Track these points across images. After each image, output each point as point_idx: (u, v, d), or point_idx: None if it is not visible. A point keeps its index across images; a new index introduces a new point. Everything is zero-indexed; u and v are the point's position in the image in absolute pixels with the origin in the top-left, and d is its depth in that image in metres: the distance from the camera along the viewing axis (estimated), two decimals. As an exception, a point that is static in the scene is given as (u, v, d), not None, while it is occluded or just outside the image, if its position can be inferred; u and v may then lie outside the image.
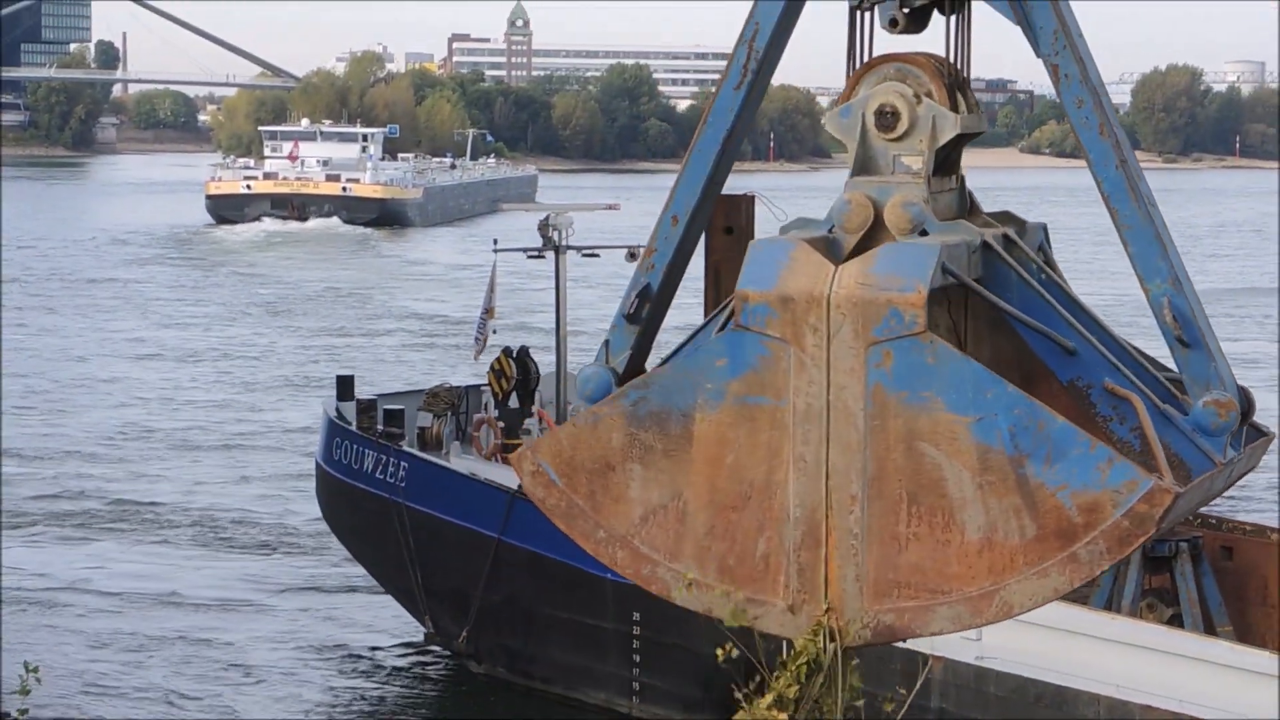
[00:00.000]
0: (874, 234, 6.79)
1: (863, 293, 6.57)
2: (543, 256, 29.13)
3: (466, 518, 25.78)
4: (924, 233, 6.74)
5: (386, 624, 29.02)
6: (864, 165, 6.87)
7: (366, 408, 28.36)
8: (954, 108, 6.94)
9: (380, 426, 27.76)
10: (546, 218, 29.21)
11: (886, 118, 6.85)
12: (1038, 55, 6.84)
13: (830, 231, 6.83)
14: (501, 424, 27.37)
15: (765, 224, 30.47)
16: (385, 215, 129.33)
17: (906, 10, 7.04)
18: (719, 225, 29.22)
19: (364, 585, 30.31)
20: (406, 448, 27.28)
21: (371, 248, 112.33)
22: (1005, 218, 7.25)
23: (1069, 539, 6.52)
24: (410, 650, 27.79)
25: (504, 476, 25.98)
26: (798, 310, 6.64)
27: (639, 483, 6.94)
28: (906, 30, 7.03)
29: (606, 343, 7.30)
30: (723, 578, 6.88)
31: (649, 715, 24.19)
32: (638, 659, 24.21)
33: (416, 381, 45.46)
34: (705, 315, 29.28)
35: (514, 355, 28.38)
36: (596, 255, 29.98)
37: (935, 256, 6.58)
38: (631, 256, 29.52)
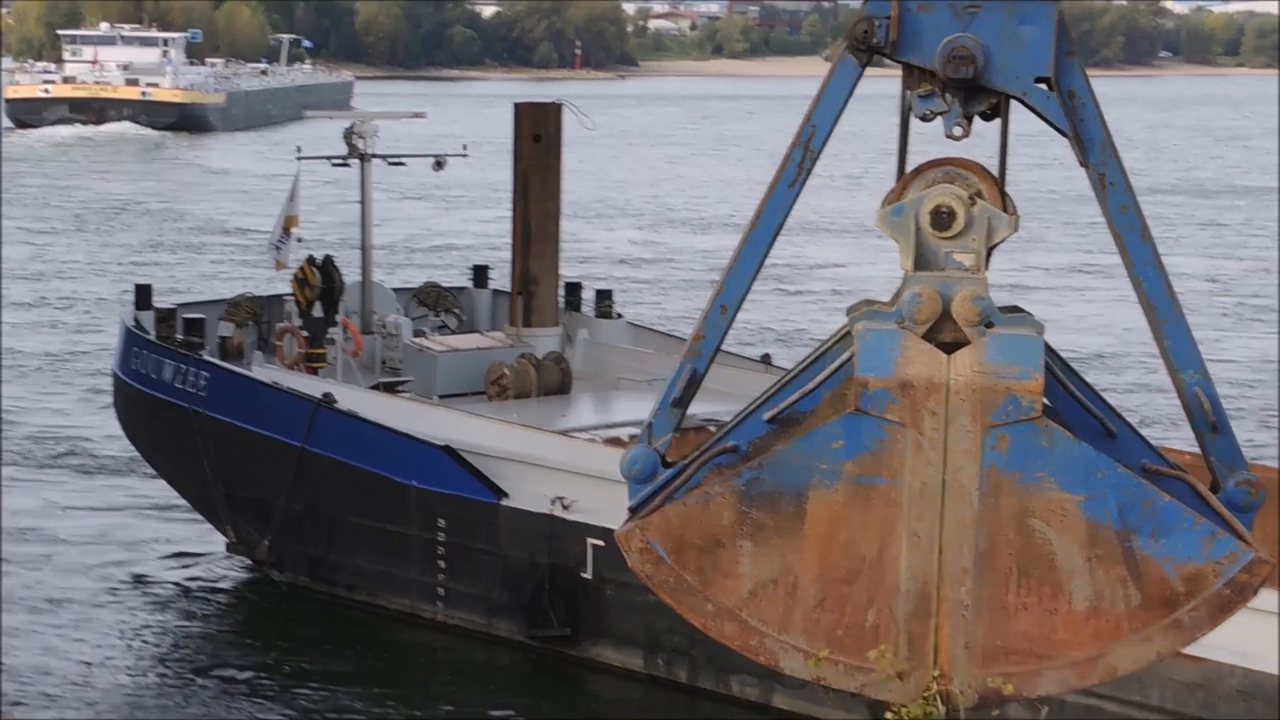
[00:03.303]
0: (940, 325, 7.23)
1: (981, 380, 7.04)
2: (348, 165, 28.93)
3: (269, 427, 25.64)
4: (989, 324, 7.20)
5: (187, 535, 28.83)
6: (920, 262, 7.31)
7: (165, 317, 28.02)
8: (1004, 209, 7.40)
9: (180, 336, 27.45)
10: (351, 126, 28.99)
11: (943, 218, 7.29)
12: (1083, 164, 7.37)
13: (900, 323, 7.22)
14: (305, 334, 27.21)
15: (574, 132, 30.53)
16: (185, 120, 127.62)
17: (967, 118, 7.53)
18: (526, 133, 29.22)
19: (164, 497, 30.04)
20: (207, 357, 27.03)
21: (171, 154, 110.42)
22: (1013, 309, 7.63)
23: (1172, 606, 7.09)
24: (212, 561, 27.66)
25: (307, 386, 25.89)
26: (917, 396, 7.07)
27: (749, 559, 7.25)
28: (963, 137, 7.57)
29: (650, 425, 7.50)
30: (832, 647, 7.24)
31: (454, 620, 24.37)
32: (443, 565, 24.34)
33: (218, 291, 44.95)
34: (513, 224, 29.37)
35: (318, 264, 28.19)
36: (403, 164, 29.83)
37: (1041, 346, 7.10)
38: (439, 165, 29.41)
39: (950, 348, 7.19)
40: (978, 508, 7.07)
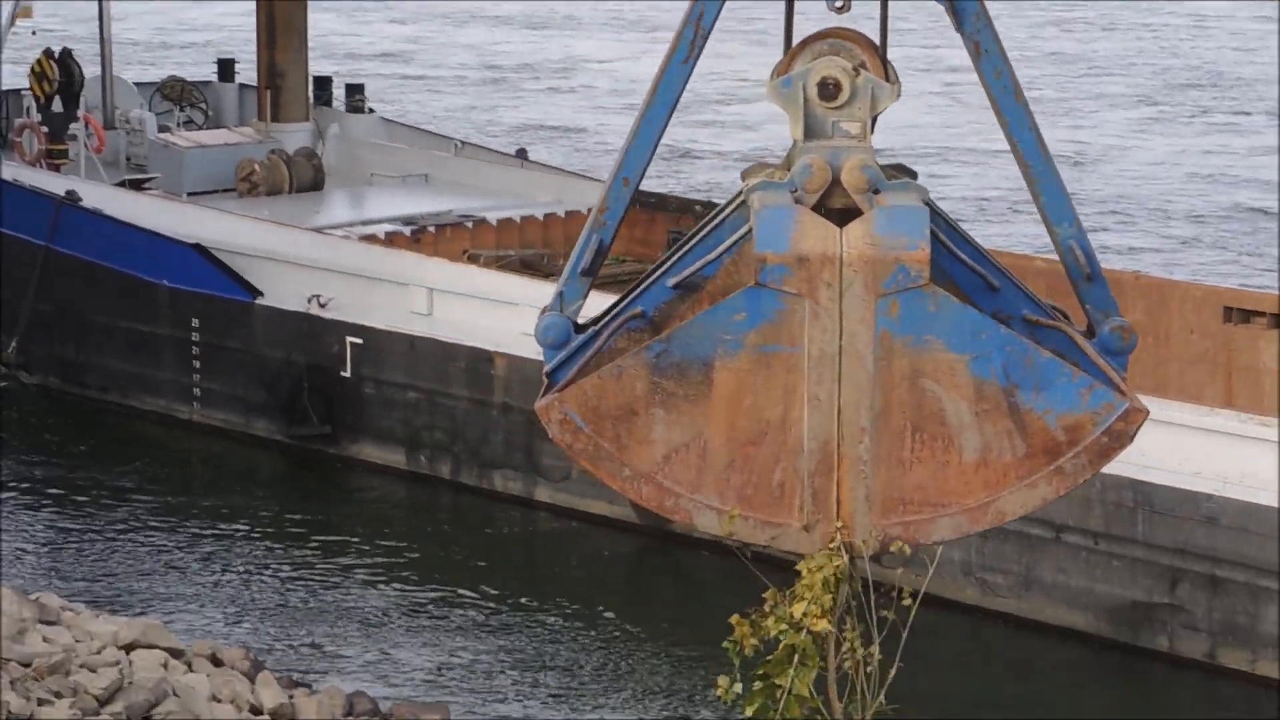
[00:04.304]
0: (830, 192, 7.66)
1: (872, 252, 7.51)
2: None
3: (11, 226, 25.04)
4: (876, 191, 7.63)
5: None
6: (809, 131, 7.72)
7: (-105, 114, 27.05)
8: (887, 79, 7.77)
9: (-88, 133, 26.53)
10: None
11: (829, 89, 7.65)
12: (958, 31, 7.75)
13: (794, 193, 7.67)
14: (45, 129, 26.48)
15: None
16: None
17: None
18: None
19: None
20: (-57, 155, 26.21)
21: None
22: (900, 169, 8.05)
23: (1055, 455, 7.68)
24: (-43, 365, 26.99)
25: (49, 183, 25.22)
26: (813, 269, 7.52)
27: (661, 425, 7.70)
28: (843, 10, 7.87)
29: (560, 293, 7.85)
30: (742, 505, 7.74)
31: (212, 421, 24.18)
32: (198, 365, 24.09)
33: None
34: (258, 15, 28.62)
35: (56, 57, 27.35)
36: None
37: (927, 216, 7.57)
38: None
39: (841, 213, 7.65)
40: (873, 371, 7.60)
